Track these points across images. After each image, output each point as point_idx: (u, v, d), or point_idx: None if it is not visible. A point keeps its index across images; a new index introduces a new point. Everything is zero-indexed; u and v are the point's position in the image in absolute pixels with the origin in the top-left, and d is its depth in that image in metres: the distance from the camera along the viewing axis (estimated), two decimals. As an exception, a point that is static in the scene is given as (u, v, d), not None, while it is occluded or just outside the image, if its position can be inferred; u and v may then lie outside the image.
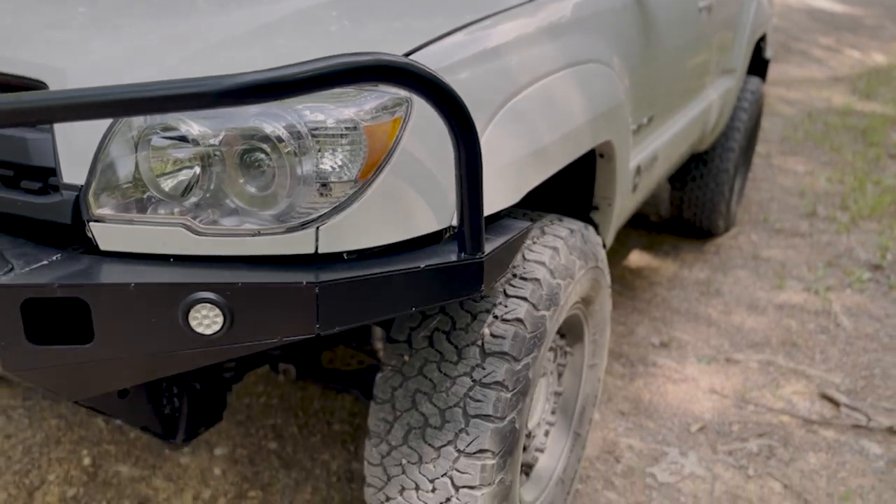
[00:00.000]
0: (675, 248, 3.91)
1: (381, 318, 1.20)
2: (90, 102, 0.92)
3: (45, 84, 1.19)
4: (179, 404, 1.61)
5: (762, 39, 4.04)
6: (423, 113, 1.19)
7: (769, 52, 4.26)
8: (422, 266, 1.19)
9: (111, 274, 1.11)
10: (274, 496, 2.10)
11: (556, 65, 1.60)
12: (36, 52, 1.24)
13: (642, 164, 2.30)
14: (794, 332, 3.12)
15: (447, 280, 1.22)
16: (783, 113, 6.72)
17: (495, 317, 1.46)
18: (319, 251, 1.16)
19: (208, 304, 1.09)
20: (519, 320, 1.45)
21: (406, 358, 1.50)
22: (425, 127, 1.21)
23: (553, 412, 1.95)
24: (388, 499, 1.55)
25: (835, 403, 2.65)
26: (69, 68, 1.19)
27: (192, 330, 1.10)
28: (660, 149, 2.48)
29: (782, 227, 4.25)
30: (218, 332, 1.10)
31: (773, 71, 7.24)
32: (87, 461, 2.19)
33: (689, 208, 3.83)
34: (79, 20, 1.45)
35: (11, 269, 1.09)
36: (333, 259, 1.18)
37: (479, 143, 1.14)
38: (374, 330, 1.94)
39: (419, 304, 1.22)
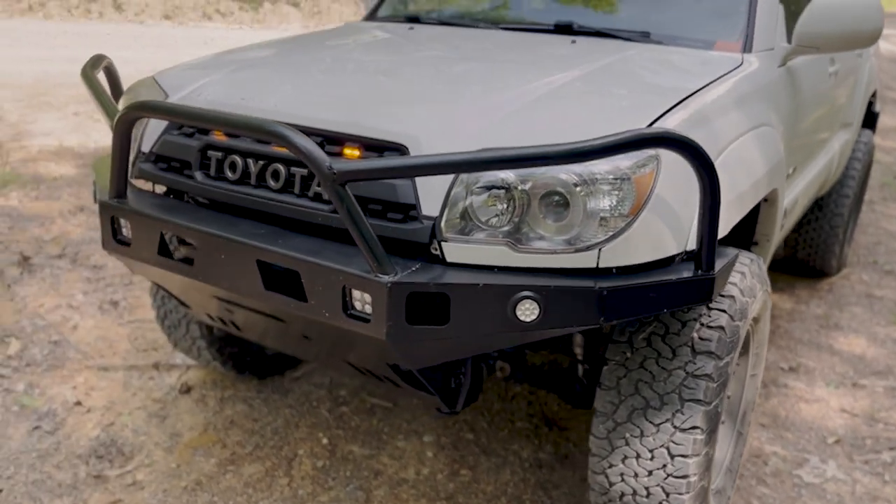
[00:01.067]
0: (790, 285, 4.24)
1: (641, 315, 1.65)
2: (476, 161, 1.44)
3: (406, 147, 1.69)
4: (463, 381, 2.07)
5: (874, 95, 4.39)
6: (668, 167, 1.64)
7: (878, 106, 4.60)
8: (673, 279, 1.63)
9: (462, 277, 1.59)
10: (480, 475, 2.55)
11: (744, 128, 2.05)
12: (395, 122, 1.75)
13: (787, 207, 2.70)
14: (914, 362, 3.42)
15: (687, 290, 1.66)
16: (880, 160, 6.95)
17: (702, 324, 1.89)
18: (599, 266, 1.62)
19: (530, 300, 1.56)
20: (721, 327, 1.88)
21: (628, 354, 1.93)
22: (668, 177, 1.67)
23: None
24: (611, 465, 1.97)
25: (958, 425, 2.95)
26: (421, 136, 1.70)
27: (517, 318, 1.57)
28: (799, 194, 2.88)
29: (892, 268, 4.53)
30: (534, 320, 1.57)
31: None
32: (325, 441, 2.69)
33: (803, 249, 4.17)
34: (412, 94, 1.97)
35: (396, 273, 1.58)
36: (607, 272, 1.64)
37: (718, 189, 1.59)
38: (574, 337, 2.38)
39: (667, 307, 1.66)
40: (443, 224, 1.63)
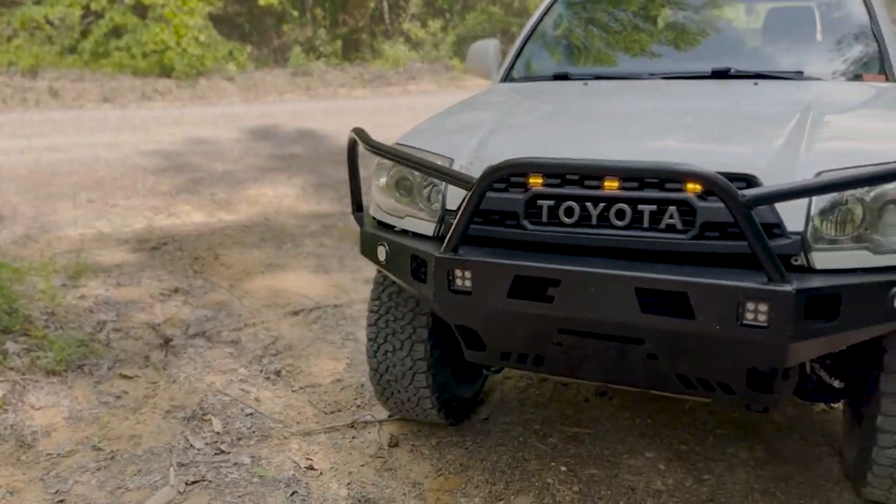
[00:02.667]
0: None
1: None
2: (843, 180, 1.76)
3: (756, 177, 1.98)
4: (788, 381, 2.31)
5: None
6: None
7: None
8: None
9: (843, 279, 1.87)
10: (723, 477, 2.79)
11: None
12: (740, 159, 2.04)
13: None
14: None
15: None
16: None
17: None
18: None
19: None
20: None
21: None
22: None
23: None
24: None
25: None
26: (767, 168, 1.99)
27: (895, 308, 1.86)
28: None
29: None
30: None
31: None
32: (563, 468, 2.87)
33: None
34: (719, 136, 2.29)
35: (793, 282, 1.84)
36: None
37: None
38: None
39: None
40: (808, 237, 1.92)
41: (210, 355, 3.80)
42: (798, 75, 2.98)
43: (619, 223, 2.08)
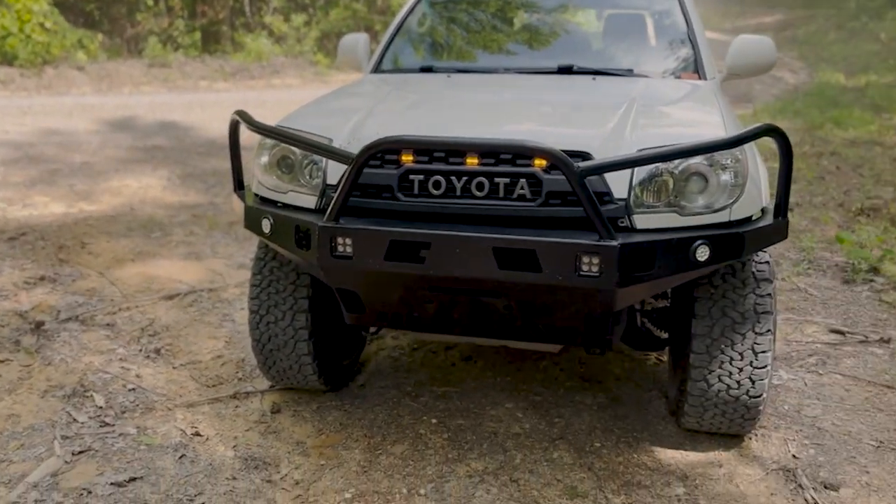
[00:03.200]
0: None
1: (762, 249, 2.45)
2: (665, 154, 2.21)
3: (590, 154, 2.37)
4: (619, 326, 2.71)
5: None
6: (749, 153, 2.49)
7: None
8: (772, 223, 2.46)
9: (657, 236, 2.29)
10: (571, 420, 3.21)
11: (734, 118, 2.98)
12: (576, 140, 2.43)
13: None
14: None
15: (777, 231, 2.49)
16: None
17: (755, 261, 2.75)
18: (731, 220, 2.41)
19: (703, 245, 2.31)
20: (767, 262, 2.75)
21: (712, 291, 2.74)
22: (751, 160, 2.51)
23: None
24: (710, 372, 2.73)
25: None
26: (597, 147, 2.39)
27: (696, 259, 2.31)
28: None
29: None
30: (706, 259, 2.32)
31: None
32: (434, 421, 3.19)
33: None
34: (560, 120, 2.69)
35: (617, 238, 2.24)
36: (737, 224, 2.42)
37: (792, 160, 2.45)
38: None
39: (770, 243, 2.47)
40: (631, 203, 2.34)
41: (86, 338, 3.83)
42: (629, 73, 3.46)
43: (479, 194, 2.42)
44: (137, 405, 3.25)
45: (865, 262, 4.95)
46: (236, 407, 3.31)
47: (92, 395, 3.27)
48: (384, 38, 4.05)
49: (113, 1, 18.37)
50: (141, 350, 3.74)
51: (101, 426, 3.06)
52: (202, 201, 6.79)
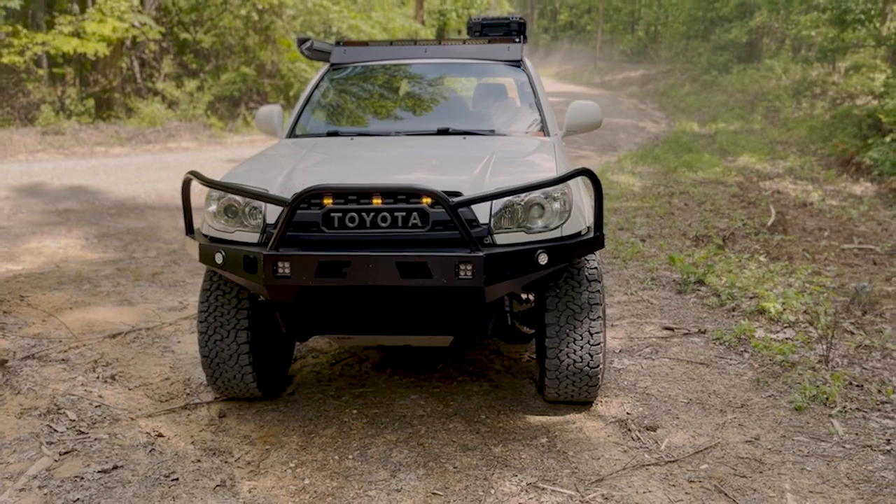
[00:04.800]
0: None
1: (584, 256, 3.45)
2: (515, 189, 3.20)
3: (461, 192, 3.31)
4: (493, 320, 3.61)
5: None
6: (574, 188, 3.51)
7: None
8: (591, 237, 3.47)
9: (512, 248, 3.24)
10: (461, 404, 4.09)
11: (568, 165, 4.04)
12: (450, 182, 3.37)
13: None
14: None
15: (594, 243, 3.50)
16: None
17: (588, 266, 3.75)
18: (562, 235, 3.40)
19: (544, 253, 3.27)
20: (595, 268, 3.77)
21: (558, 289, 3.71)
22: (575, 192, 3.53)
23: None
24: (560, 350, 3.69)
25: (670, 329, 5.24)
26: (465, 187, 3.34)
27: (539, 263, 3.27)
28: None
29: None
30: (546, 263, 3.29)
31: None
32: (354, 412, 3.99)
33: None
34: (438, 168, 3.62)
35: (483, 251, 3.17)
36: (567, 238, 3.40)
37: (602, 192, 3.48)
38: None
39: (590, 251, 3.47)
40: (492, 226, 3.30)
41: (46, 371, 4.42)
42: (491, 132, 4.50)
43: (383, 224, 3.31)
44: (105, 418, 3.89)
45: (694, 276, 6.15)
46: (189, 415, 4.01)
47: (65, 412, 3.89)
48: (295, 109, 4.93)
49: (1, 71, 18.39)
50: (98, 377, 4.37)
51: (78, 434, 3.70)
52: (123, 256, 7.34)
